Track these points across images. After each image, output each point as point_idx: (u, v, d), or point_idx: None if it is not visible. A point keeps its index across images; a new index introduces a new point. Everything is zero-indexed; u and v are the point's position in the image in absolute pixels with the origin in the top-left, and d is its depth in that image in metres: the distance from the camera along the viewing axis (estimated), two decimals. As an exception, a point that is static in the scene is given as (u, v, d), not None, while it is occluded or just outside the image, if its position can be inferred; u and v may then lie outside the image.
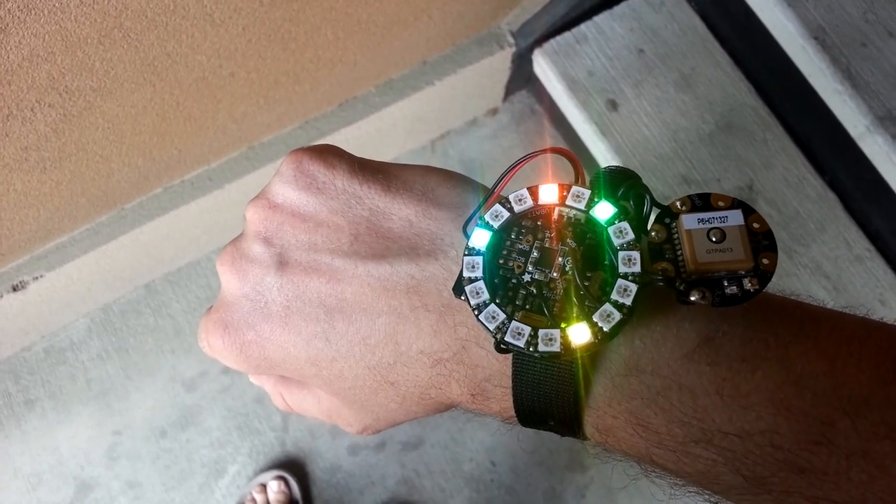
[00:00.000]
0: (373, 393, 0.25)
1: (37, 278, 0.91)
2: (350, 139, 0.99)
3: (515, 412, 0.22)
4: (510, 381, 0.21)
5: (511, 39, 1.01)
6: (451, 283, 0.22)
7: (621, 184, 0.22)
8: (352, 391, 0.25)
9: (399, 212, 0.24)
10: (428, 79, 1.00)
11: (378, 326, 0.23)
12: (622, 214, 0.21)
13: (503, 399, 0.22)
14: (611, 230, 0.20)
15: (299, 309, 0.24)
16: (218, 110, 0.78)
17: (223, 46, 0.67)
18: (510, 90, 1.18)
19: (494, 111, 1.21)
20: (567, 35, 1.05)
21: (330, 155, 0.26)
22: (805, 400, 0.18)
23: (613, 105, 1.01)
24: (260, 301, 0.25)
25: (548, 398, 0.21)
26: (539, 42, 1.05)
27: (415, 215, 0.24)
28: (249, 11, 0.63)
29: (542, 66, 1.05)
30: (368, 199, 0.25)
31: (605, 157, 1.01)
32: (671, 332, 0.20)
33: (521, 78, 1.14)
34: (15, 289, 0.90)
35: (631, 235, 0.20)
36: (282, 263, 0.25)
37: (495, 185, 0.23)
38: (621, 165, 0.22)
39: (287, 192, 0.25)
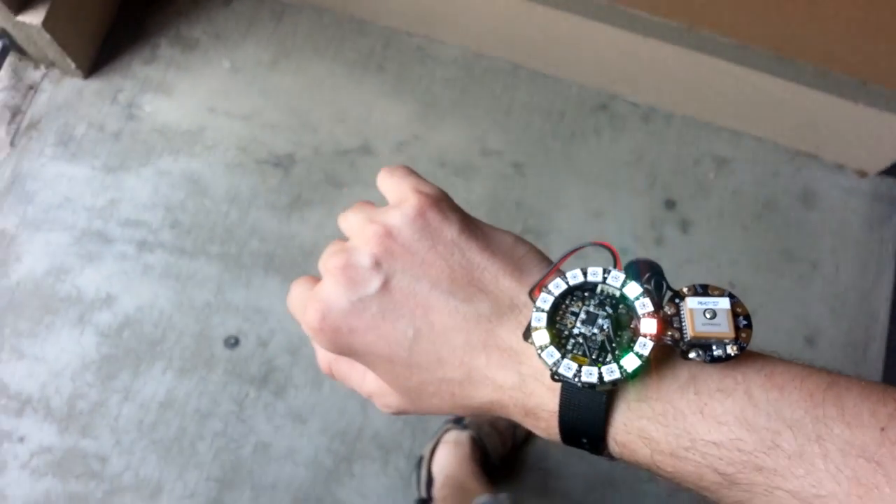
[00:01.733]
0: (430, 395, 0.31)
1: None
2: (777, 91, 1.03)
3: (559, 430, 0.28)
4: (556, 408, 0.28)
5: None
6: (520, 332, 0.29)
7: (647, 271, 0.29)
8: (411, 390, 0.31)
9: (491, 268, 0.30)
10: (855, 96, 1.04)
11: (457, 352, 0.29)
12: (645, 293, 0.28)
13: (550, 420, 0.28)
14: (637, 303, 0.28)
15: (393, 320, 0.30)
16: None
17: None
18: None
19: (863, 174, 1.21)
20: None
21: (448, 209, 0.32)
22: (761, 418, 0.25)
23: None
24: (359, 306, 0.30)
25: (584, 420, 0.27)
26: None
27: (503, 275, 0.30)
28: None
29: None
30: (469, 253, 0.31)
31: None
32: (669, 372, 0.27)
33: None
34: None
35: (650, 308, 0.28)
36: (386, 284, 0.30)
37: (557, 263, 0.30)
38: (649, 259, 0.30)
39: (405, 229, 0.31)
